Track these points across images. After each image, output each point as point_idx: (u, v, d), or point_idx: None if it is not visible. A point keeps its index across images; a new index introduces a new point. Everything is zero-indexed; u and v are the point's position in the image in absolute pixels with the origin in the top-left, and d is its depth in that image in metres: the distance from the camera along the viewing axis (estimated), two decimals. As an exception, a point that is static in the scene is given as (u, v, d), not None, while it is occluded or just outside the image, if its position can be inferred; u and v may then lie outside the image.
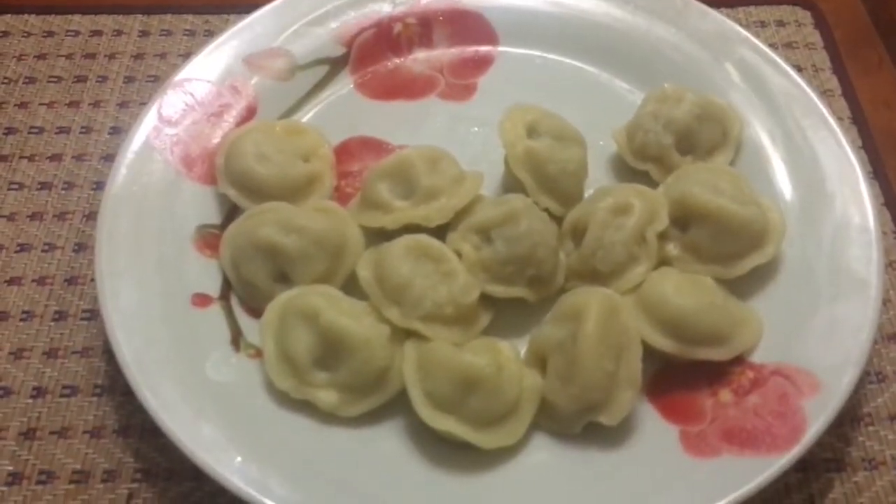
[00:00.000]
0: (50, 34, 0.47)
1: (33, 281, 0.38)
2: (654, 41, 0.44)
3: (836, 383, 0.32)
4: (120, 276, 0.35)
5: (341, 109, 0.43)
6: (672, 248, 0.36)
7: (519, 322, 0.35)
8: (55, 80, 0.45)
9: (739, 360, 0.34)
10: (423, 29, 0.45)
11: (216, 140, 0.40)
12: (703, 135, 0.39)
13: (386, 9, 0.45)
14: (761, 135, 0.40)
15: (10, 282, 0.38)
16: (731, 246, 0.35)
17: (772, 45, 0.44)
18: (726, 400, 0.33)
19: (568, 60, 0.45)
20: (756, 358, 0.34)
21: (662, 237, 0.36)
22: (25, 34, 0.47)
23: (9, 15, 0.48)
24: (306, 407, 0.33)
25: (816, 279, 0.36)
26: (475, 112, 0.43)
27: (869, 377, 0.36)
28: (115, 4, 0.49)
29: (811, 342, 0.34)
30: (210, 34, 0.48)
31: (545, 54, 0.45)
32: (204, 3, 0.49)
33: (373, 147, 0.42)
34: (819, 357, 0.33)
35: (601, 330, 0.31)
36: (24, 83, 0.45)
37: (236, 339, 0.35)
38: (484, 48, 0.45)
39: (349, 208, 0.38)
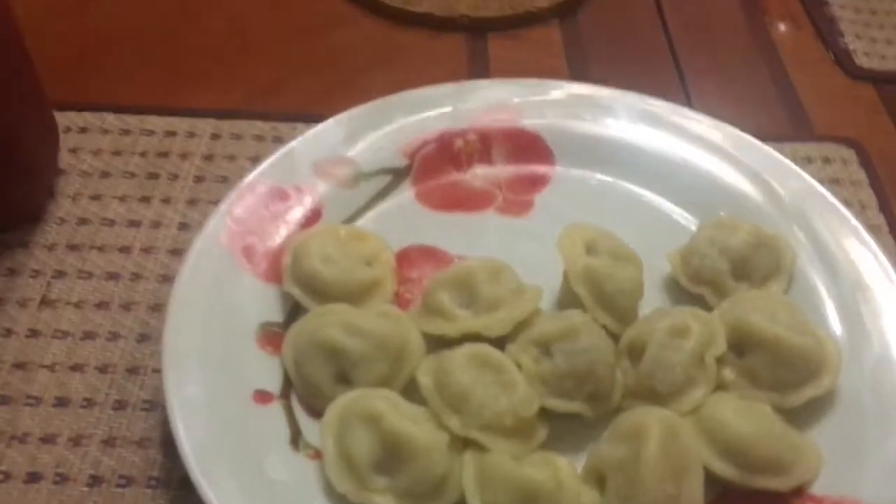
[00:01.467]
0: (126, 132, 0.50)
1: (96, 368, 0.39)
2: (708, 171, 0.45)
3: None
4: (184, 368, 0.36)
5: (402, 218, 0.45)
6: (728, 373, 0.36)
7: (575, 438, 0.36)
8: (128, 175, 0.47)
9: (800, 492, 0.34)
10: (483, 146, 0.48)
11: (282, 240, 0.42)
12: (758, 263, 0.40)
13: (448, 125, 0.48)
14: (808, 267, 0.41)
15: (74, 368, 0.39)
16: (788, 375, 0.36)
17: (818, 181, 0.46)
18: (787, 531, 0.33)
19: (623, 183, 0.46)
20: (816, 490, 0.34)
21: (719, 362, 0.36)
22: (103, 131, 0.50)
23: (88, 112, 0.50)
24: (363, 511, 0.33)
25: (868, 413, 0.36)
26: (531, 228, 0.45)
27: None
28: (189, 108, 0.51)
29: (871, 476, 0.34)
30: (278, 140, 0.50)
31: (601, 176, 0.47)
32: (273, 111, 0.52)
33: (431, 256, 0.43)
34: (881, 492, 0.33)
35: (663, 451, 0.32)
36: (99, 177, 0.47)
37: (296, 438, 0.35)
38: (541, 168, 0.47)
39: (410, 314, 0.39)
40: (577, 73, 0.56)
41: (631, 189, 0.46)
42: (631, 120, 0.48)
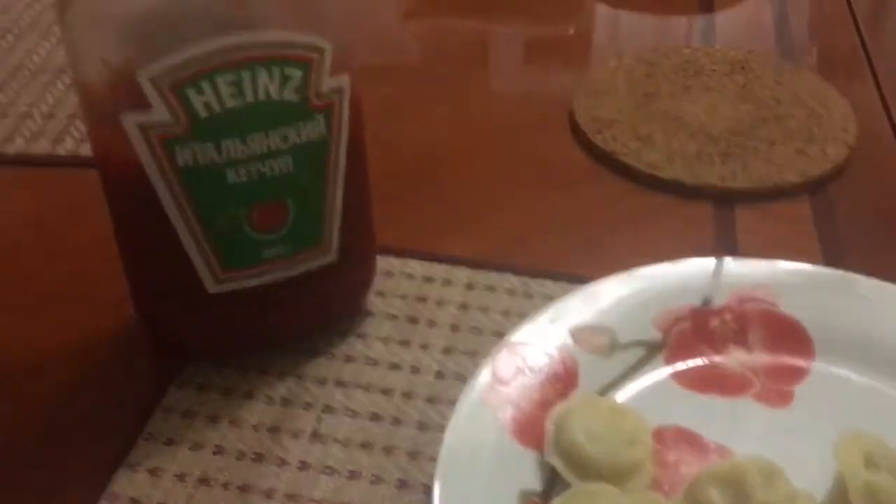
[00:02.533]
0: (389, 274, 0.53)
1: (360, 511, 0.41)
2: None
3: None
4: (451, 529, 0.37)
5: (656, 395, 0.45)
6: None
7: None
8: (391, 317, 0.50)
9: None
10: (739, 328, 0.47)
11: (542, 406, 0.43)
12: None
13: (703, 302, 0.48)
14: None
15: (340, 509, 0.41)
16: None
17: None
18: None
19: (890, 391, 0.44)
20: None
21: None
22: (368, 270, 0.53)
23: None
24: None
25: None
26: (792, 422, 0.43)
27: None
28: (445, 254, 0.54)
29: None
30: (528, 296, 0.52)
31: (865, 378, 0.45)
32: (521, 264, 0.54)
33: (688, 439, 0.43)
34: None
35: None
36: (363, 315, 0.50)
37: None
38: (800, 360, 0.46)
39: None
40: (830, 252, 0.55)
41: (899, 394, 0.44)
42: (898, 317, 0.47)
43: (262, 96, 0.36)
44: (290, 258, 0.43)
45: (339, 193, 0.43)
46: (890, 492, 0.36)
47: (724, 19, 0.80)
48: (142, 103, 0.34)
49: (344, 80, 0.40)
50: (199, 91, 0.34)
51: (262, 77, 0.36)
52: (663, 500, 0.38)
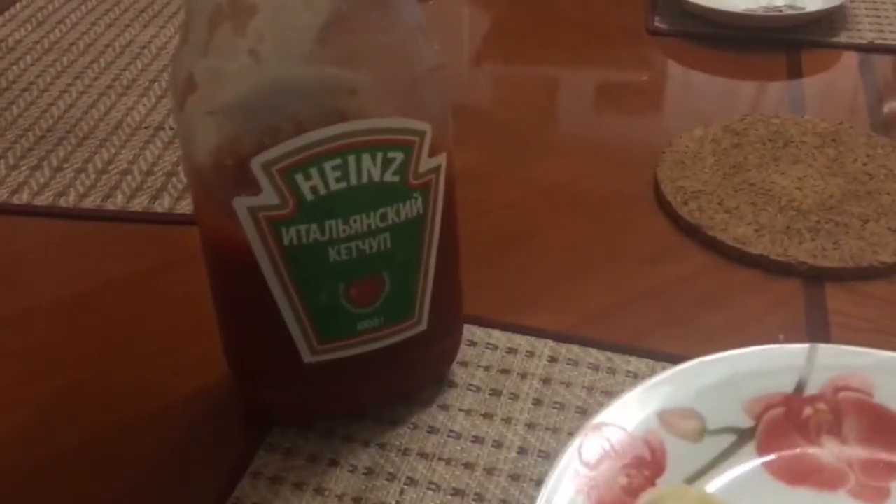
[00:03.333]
0: (472, 344, 0.53)
1: (443, 592, 0.40)
2: None
3: None
4: None
5: (746, 485, 0.44)
6: None
7: None
8: (474, 389, 0.51)
9: None
10: (835, 418, 0.46)
11: (628, 492, 0.42)
12: None
13: (796, 389, 0.47)
14: None
15: (424, 588, 0.41)
16: None
17: None
18: None
19: None
20: None
21: None
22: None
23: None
24: None
25: None
26: (890, 522, 0.42)
27: None
28: (528, 326, 0.54)
29: None
30: (612, 372, 0.51)
31: (972, 477, 0.43)
32: (604, 338, 0.54)
33: (781, 535, 0.42)
34: None
35: None
36: (446, 386, 0.51)
37: None
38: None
39: None
40: (925, 337, 0.54)
41: None
42: None
43: (364, 179, 0.37)
44: (383, 329, 0.43)
45: (433, 267, 0.44)
46: None
47: (813, 86, 0.79)
48: (253, 188, 0.35)
49: (441, 159, 0.41)
50: (308, 176, 0.36)
51: (367, 161, 0.37)
52: None
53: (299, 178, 0.36)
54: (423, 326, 0.45)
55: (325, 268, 0.39)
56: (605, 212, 0.64)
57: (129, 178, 0.66)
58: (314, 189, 0.36)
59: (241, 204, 0.36)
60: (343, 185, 0.37)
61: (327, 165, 0.36)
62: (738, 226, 0.61)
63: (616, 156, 0.71)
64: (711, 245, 0.60)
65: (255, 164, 0.35)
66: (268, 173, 0.35)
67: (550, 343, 0.54)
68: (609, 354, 0.53)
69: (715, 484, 0.44)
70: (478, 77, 0.83)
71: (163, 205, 0.64)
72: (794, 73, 0.80)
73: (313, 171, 0.36)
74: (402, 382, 0.48)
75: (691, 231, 0.61)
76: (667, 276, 0.59)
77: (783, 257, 0.58)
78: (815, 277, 0.58)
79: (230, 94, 0.34)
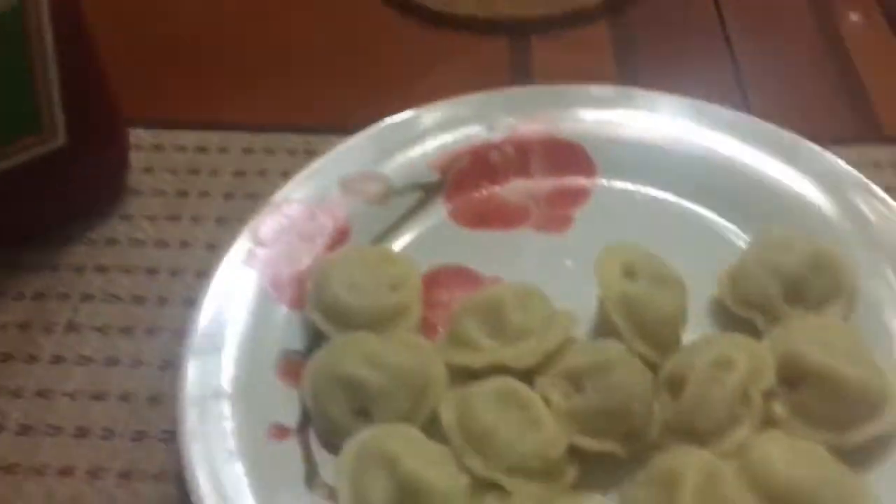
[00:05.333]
0: (159, 148, 0.49)
1: (117, 397, 0.38)
2: (762, 181, 0.42)
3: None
4: (202, 399, 0.34)
5: (433, 237, 0.43)
6: (779, 409, 0.33)
7: (606, 478, 0.33)
8: (159, 193, 0.47)
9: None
10: (521, 157, 0.45)
11: (307, 263, 0.40)
12: (814, 285, 0.37)
13: (483, 137, 0.45)
14: (878, 289, 0.38)
15: (96, 397, 0.38)
16: (846, 412, 0.33)
17: (888, 189, 0.42)
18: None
19: (670, 197, 0.43)
20: (875, 545, 0.31)
21: (768, 396, 0.33)
22: (135, 147, 0.49)
23: (122, 128, 0.50)
24: (378, 557, 0.31)
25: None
26: (569, 245, 0.42)
27: None
28: (223, 121, 0.50)
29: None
30: (310, 154, 0.48)
31: (646, 189, 0.44)
32: (307, 123, 0.50)
33: (463, 277, 0.41)
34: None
35: (699, 501, 0.29)
36: (130, 196, 0.47)
37: (310, 476, 0.33)
38: (581, 180, 0.45)
39: (435, 344, 0.37)
40: (627, 76, 0.53)
41: (679, 203, 0.43)
42: (681, 127, 0.45)
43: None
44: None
45: (53, 71, 0.38)
46: (645, 300, 0.35)
47: None
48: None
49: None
50: None
51: None
52: (421, 339, 0.36)
53: None
54: (60, 140, 0.40)
55: None
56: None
57: None
58: None
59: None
60: None
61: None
62: (445, -11, 0.57)
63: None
64: (417, 12, 0.57)
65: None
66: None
67: (246, 135, 0.50)
68: (308, 137, 0.50)
69: (403, 241, 0.43)
70: None
71: None
72: None
73: None
74: (62, 201, 0.43)
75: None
76: (371, 53, 0.55)
77: (489, 14, 0.56)
78: (521, 31, 0.56)
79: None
